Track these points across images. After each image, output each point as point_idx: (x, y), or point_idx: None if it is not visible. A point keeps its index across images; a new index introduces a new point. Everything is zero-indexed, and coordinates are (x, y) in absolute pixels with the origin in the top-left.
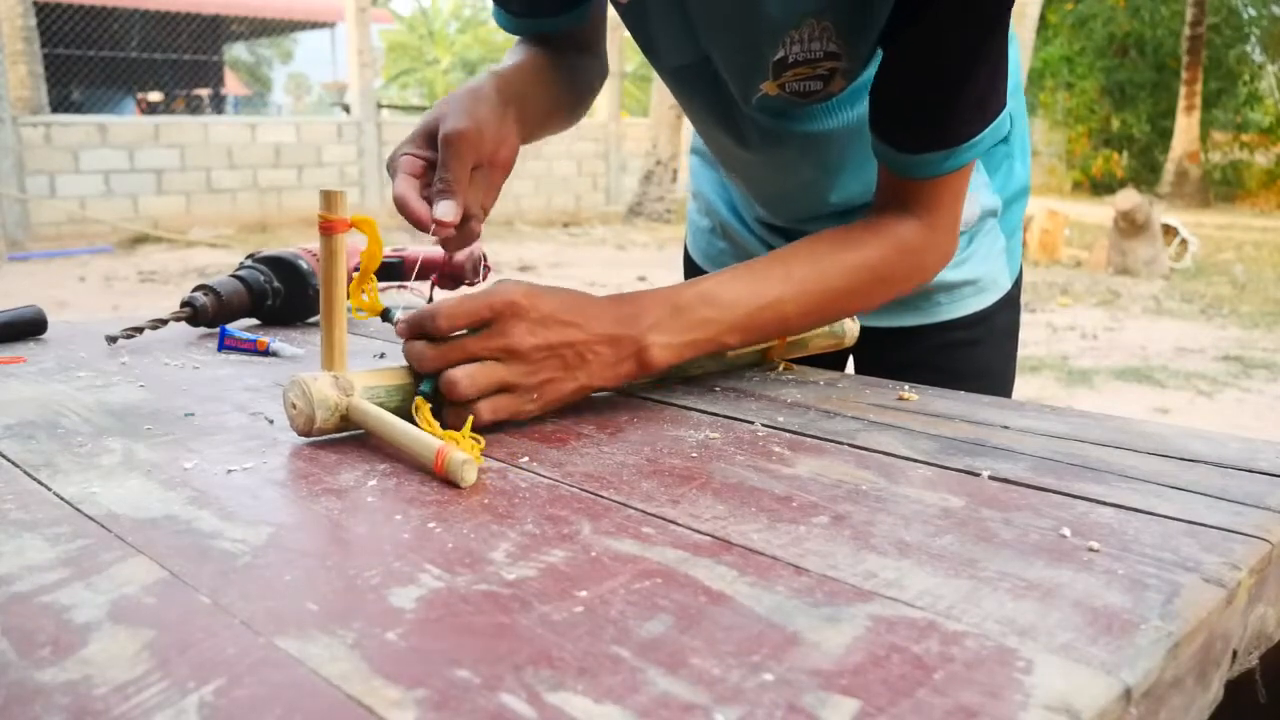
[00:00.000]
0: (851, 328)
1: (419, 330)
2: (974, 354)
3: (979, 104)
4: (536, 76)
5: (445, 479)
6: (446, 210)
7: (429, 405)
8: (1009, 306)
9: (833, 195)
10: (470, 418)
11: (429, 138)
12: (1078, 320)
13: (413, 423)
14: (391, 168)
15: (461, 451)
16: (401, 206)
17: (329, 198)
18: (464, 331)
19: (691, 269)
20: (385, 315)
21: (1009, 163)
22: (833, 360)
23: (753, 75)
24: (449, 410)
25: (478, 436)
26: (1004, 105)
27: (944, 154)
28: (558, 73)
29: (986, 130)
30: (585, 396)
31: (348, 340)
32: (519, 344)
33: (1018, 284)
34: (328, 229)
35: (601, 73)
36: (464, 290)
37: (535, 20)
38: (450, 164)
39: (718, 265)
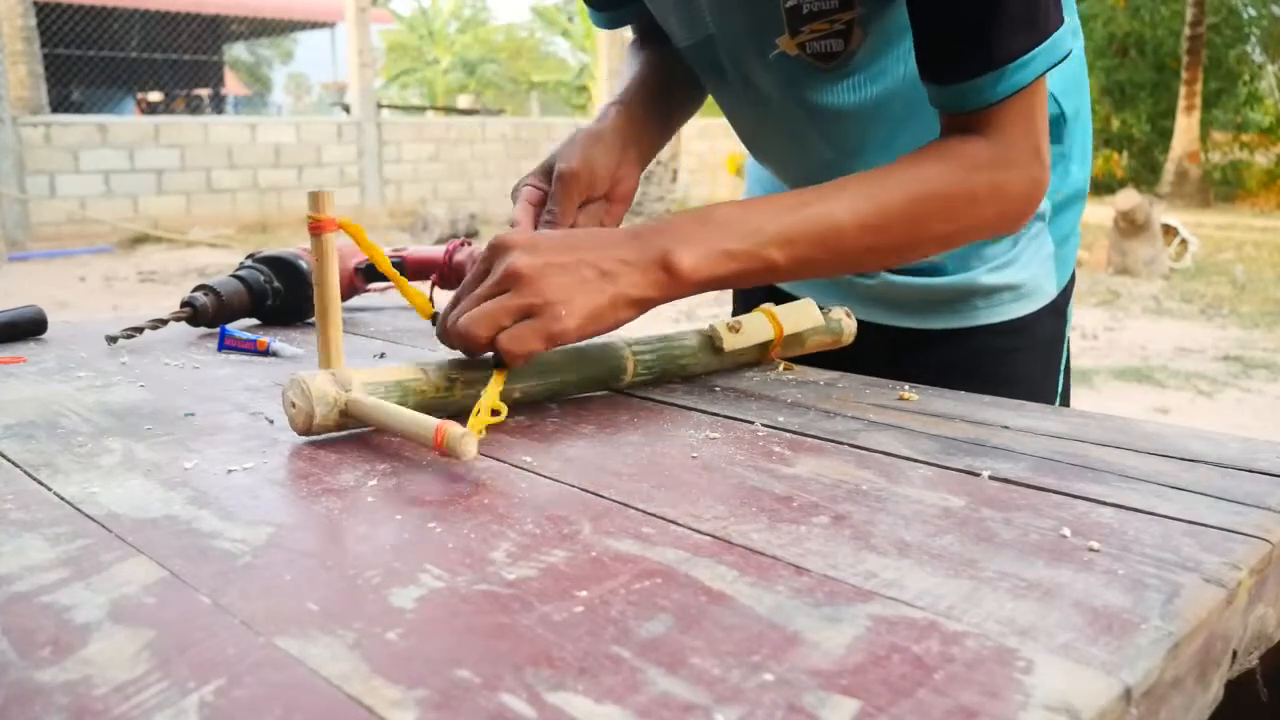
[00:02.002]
0: (849, 324)
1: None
2: (1014, 363)
3: (1023, 16)
4: (653, 92)
5: (446, 454)
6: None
7: (502, 376)
8: (1054, 315)
9: None
10: (498, 386)
11: (548, 173)
12: (1078, 320)
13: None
14: (514, 195)
15: (459, 426)
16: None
17: (317, 199)
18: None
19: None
20: (435, 319)
21: (1064, 164)
22: (863, 364)
23: (767, 28)
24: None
25: (499, 406)
26: (1061, 19)
27: (992, 76)
28: (672, 75)
29: (1039, 47)
30: (634, 315)
31: (345, 340)
32: (514, 264)
33: (1066, 293)
34: (317, 229)
35: None
36: None
37: (619, 12)
38: (559, 198)
39: None
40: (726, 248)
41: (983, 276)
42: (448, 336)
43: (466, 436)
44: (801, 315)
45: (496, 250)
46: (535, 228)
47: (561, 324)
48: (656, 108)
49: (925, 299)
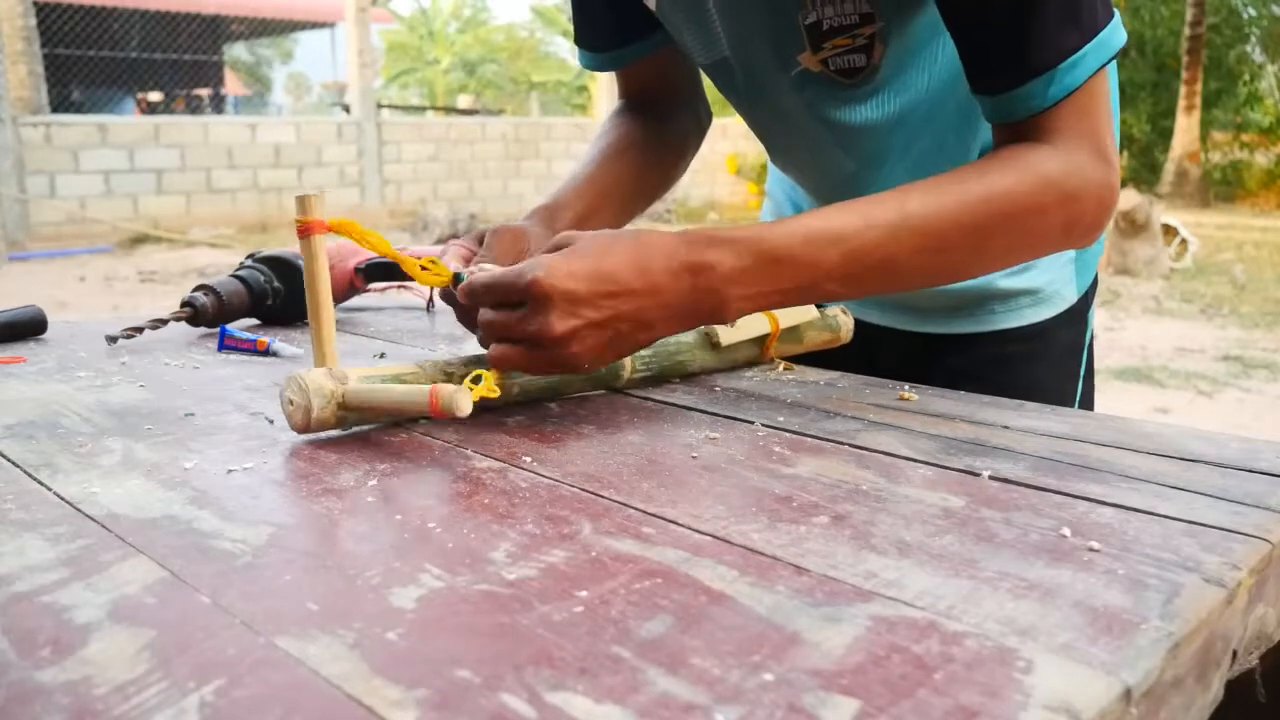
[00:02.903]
0: (845, 321)
1: (473, 297)
2: (1030, 369)
3: (1066, 14)
4: (606, 177)
5: (442, 415)
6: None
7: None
8: (1074, 322)
9: (878, 188)
10: (491, 373)
11: (479, 239)
12: None
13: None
14: (443, 252)
15: (451, 385)
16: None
17: (304, 202)
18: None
19: None
20: (456, 280)
21: None
22: (878, 367)
23: (787, 45)
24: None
25: (494, 391)
26: (1111, 13)
27: (1044, 79)
28: (637, 149)
29: (1089, 44)
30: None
31: (345, 340)
32: (551, 330)
33: (1086, 298)
34: (305, 231)
35: (698, 120)
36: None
37: (614, 54)
38: (492, 247)
39: None
40: (782, 286)
41: (1001, 281)
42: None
43: (460, 392)
44: (797, 310)
45: (534, 295)
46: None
47: (578, 369)
48: (597, 207)
49: (943, 303)
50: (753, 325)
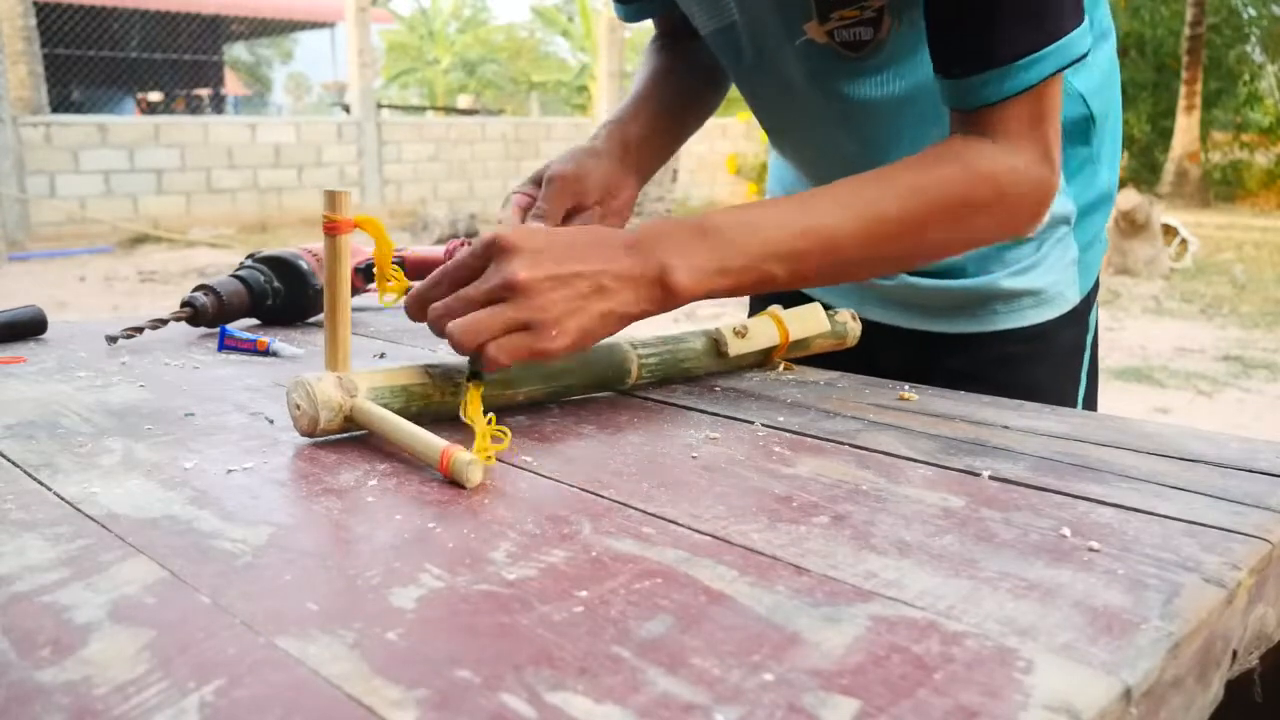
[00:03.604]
0: (854, 327)
1: (422, 301)
2: (1030, 370)
3: (1031, 14)
4: (654, 108)
5: (450, 480)
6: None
7: (479, 389)
8: (1076, 323)
9: None
10: (477, 403)
11: (539, 181)
12: None
13: (416, 422)
14: (505, 202)
15: (466, 451)
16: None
17: (334, 198)
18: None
19: None
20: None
21: (1092, 167)
22: (878, 367)
23: (795, 13)
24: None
25: (503, 431)
26: (1079, 19)
27: (997, 73)
28: (683, 77)
29: (1049, 47)
30: (623, 327)
31: (351, 340)
32: (514, 275)
33: (1088, 300)
34: (332, 229)
35: None
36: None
37: (645, 4)
38: (548, 198)
39: None
40: (725, 264)
41: (1004, 280)
42: (433, 327)
43: (473, 464)
44: (808, 320)
45: (496, 251)
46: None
47: (553, 344)
48: (659, 123)
49: (945, 302)
50: (762, 337)
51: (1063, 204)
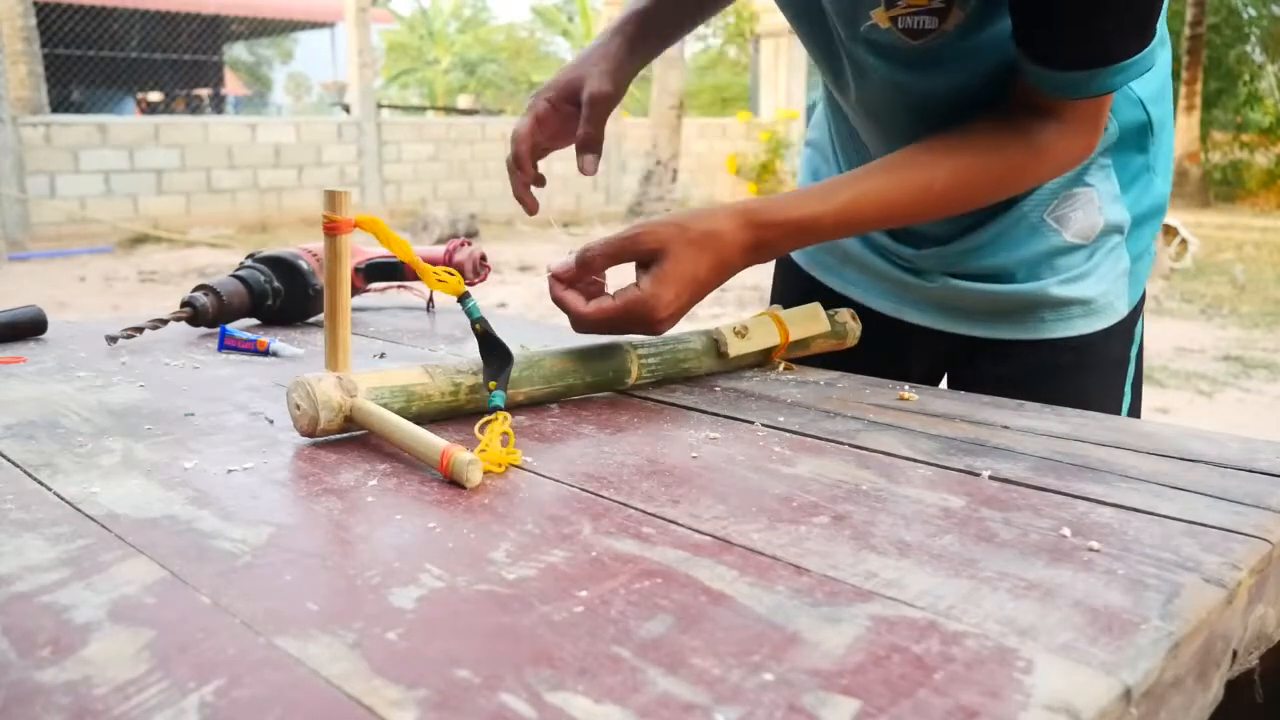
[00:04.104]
0: (854, 327)
1: (572, 276)
2: (1079, 382)
3: (1139, 21)
4: (651, 17)
5: (450, 480)
6: (588, 163)
7: (506, 420)
8: (1123, 335)
9: None
10: (506, 431)
11: (562, 89)
12: None
13: (416, 422)
14: (528, 105)
15: (466, 452)
16: (517, 142)
17: (334, 198)
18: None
19: (793, 271)
20: (464, 299)
21: (1148, 176)
22: (920, 371)
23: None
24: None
25: (515, 458)
26: (1155, 34)
27: (1100, 71)
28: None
29: (1143, 52)
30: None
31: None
32: (660, 327)
33: (1137, 310)
34: (332, 229)
35: None
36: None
37: None
38: (593, 120)
39: (821, 267)
40: (805, 243)
41: (1054, 288)
42: (577, 320)
43: (473, 464)
44: (808, 320)
45: (647, 304)
46: (532, 147)
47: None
48: (654, 29)
49: (990, 307)
50: (762, 337)
51: (1118, 213)
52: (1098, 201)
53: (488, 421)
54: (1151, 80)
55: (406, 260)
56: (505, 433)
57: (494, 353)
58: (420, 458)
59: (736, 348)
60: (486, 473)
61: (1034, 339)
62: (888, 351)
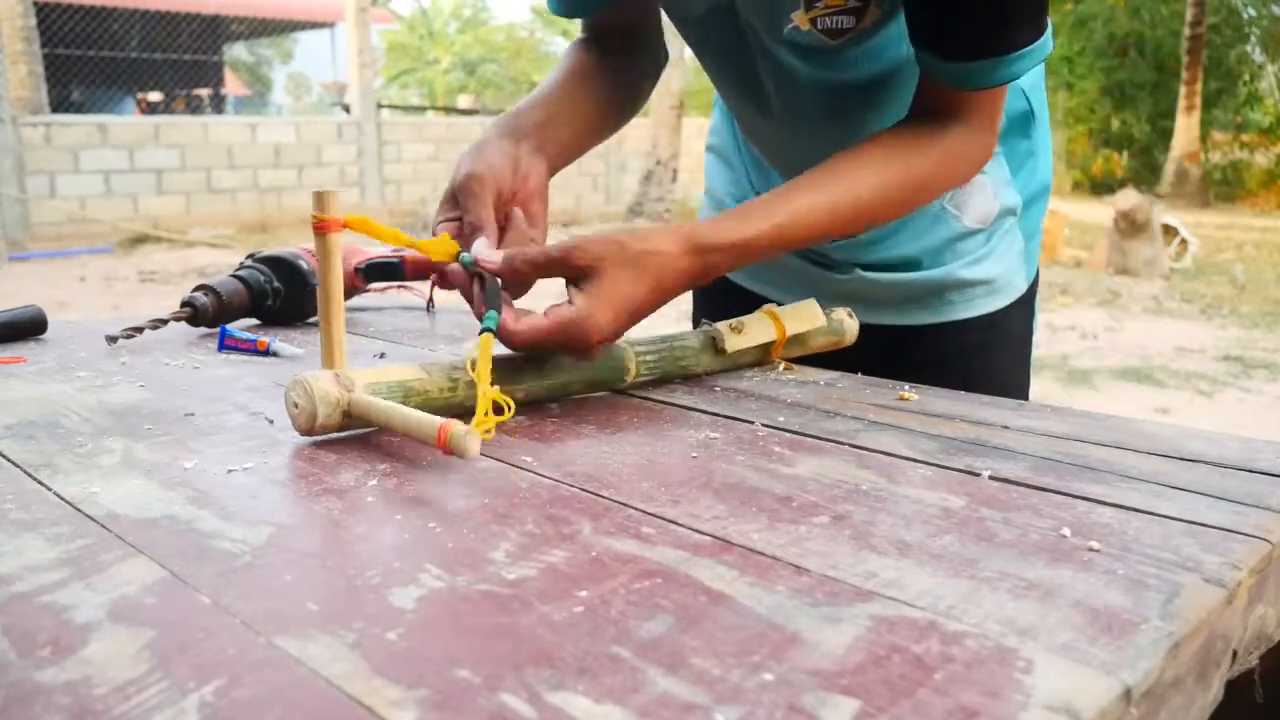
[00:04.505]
0: (851, 325)
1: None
2: (987, 359)
3: (1034, 11)
4: (565, 95)
5: (449, 453)
6: (480, 247)
7: (490, 340)
8: (1024, 310)
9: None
10: (495, 397)
11: (453, 200)
12: (1078, 320)
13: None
14: (434, 232)
15: (463, 424)
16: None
17: (321, 198)
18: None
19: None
20: (459, 258)
21: (1033, 160)
22: (840, 360)
23: (783, 3)
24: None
25: (507, 402)
26: (1049, 21)
27: (995, 61)
28: (595, 80)
29: (1039, 40)
30: None
31: (346, 339)
32: (597, 341)
33: (1033, 287)
34: (321, 229)
35: (655, 63)
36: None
37: (581, 2)
38: (470, 206)
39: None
40: (750, 266)
41: (959, 271)
42: (503, 334)
43: (470, 434)
44: (804, 316)
45: (574, 331)
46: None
47: (589, 358)
48: (562, 109)
49: (899, 295)
50: (759, 333)
51: (1010, 196)
52: (991, 187)
53: (476, 346)
54: (1030, 70)
55: (398, 244)
56: (498, 400)
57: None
58: (417, 436)
59: (734, 343)
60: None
61: (943, 322)
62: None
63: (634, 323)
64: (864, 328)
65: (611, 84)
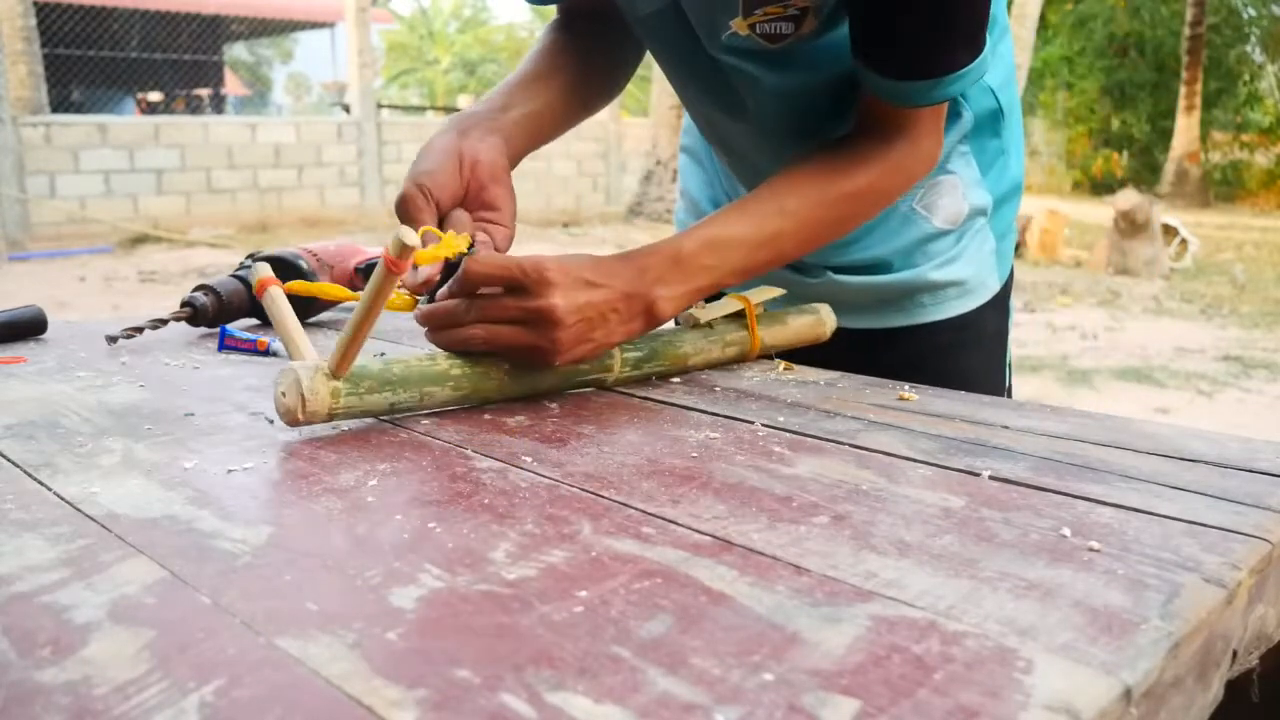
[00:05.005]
0: (829, 318)
1: (441, 311)
2: (961, 358)
3: (971, 33)
4: (531, 77)
5: (399, 267)
6: (421, 274)
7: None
8: (998, 309)
9: (781, 154)
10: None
11: (422, 192)
12: (1078, 320)
13: (411, 410)
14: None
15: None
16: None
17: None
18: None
19: None
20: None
21: (1003, 159)
22: (818, 363)
23: (722, 10)
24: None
25: (454, 246)
26: (985, 44)
27: (932, 82)
28: (565, 60)
29: (975, 63)
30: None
31: (336, 336)
32: (556, 310)
33: (1007, 287)
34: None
35: (637, 47)
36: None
37: None
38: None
39: None
40: (695, 286)
41: (930, 273)
42: (460, 320)
43: (402, 231)
44: (764, 292)
45: (539, 279)
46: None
47: (548, 364)
48: (522, 91)
49: (871, 298)
50: (728, 305)
51: (980, 196)
52: (961, 187)
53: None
54: (999, 68)
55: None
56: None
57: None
58: (377, 294)
59: (706, 315)
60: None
61: (916, 324)
62: (813, 352)
63: (601, 327)
64: (839, 332)
65: (584, 65)
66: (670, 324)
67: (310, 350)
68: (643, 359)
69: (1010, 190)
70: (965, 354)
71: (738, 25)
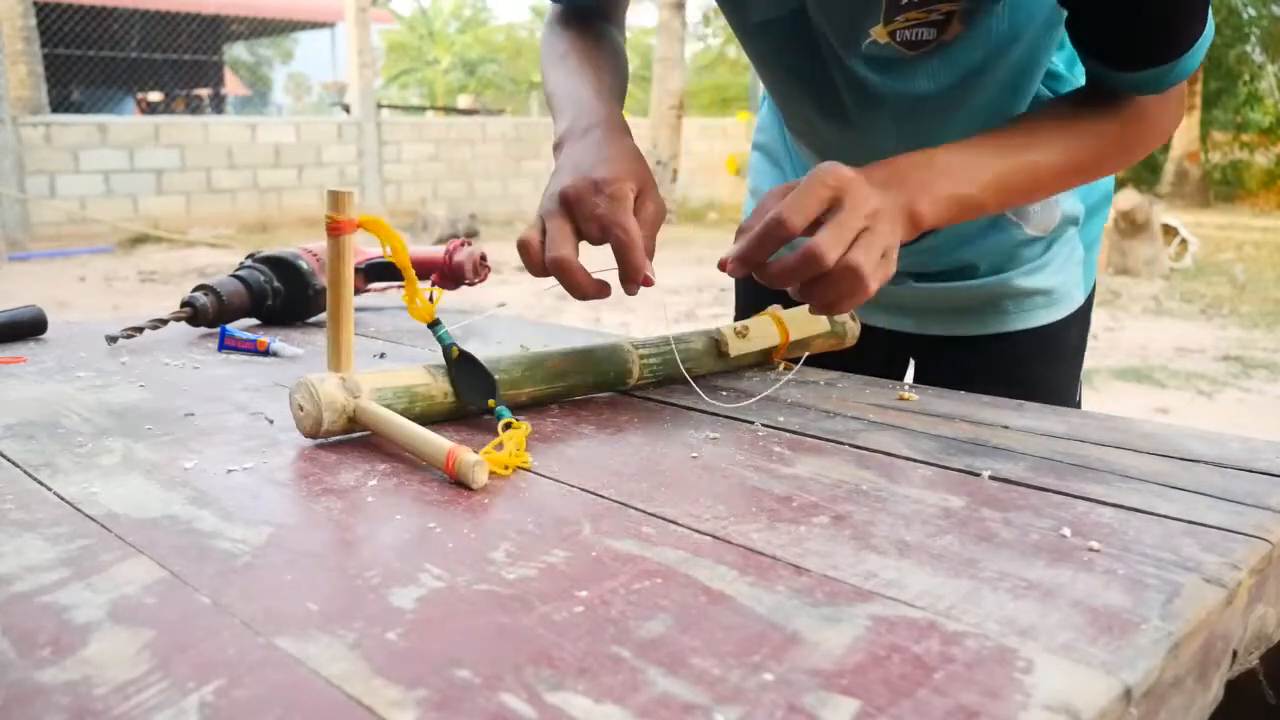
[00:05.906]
0: (853, 327)
1: (769, 244)
2: (1041, 370)
3: (1198, 8)
4: (606, 83)
5: (456, 481)
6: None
7: (519, 430)
8: (1081, 322)
9: None
10: (519, 436)
11: (563, 205)
12: None
13: (419, 422)
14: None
15: (472, 453)
16: (567, 272)
17: (337, 198)
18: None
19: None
20: (434, 325)
21: None
22: (879, 370)
23: (863, 18)
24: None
25: (525, 461)
26: (1209, 9)
27: (1169, 66)
28: (603, 48)
29: (1206, 29)
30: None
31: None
32: (878, 205)
33: (1090, 299)
34: (335, 230)
35: (623, 35)
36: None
37: None
38: (621, 218)
39: None
40: (954, 193)
41: (1017, 280)
42: (823, 264)
43: (479, 465)
44: (808, 319)
45: (846, 188)
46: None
47: (864, 291)
48: (610, 80)
49: (954, 304)
50: (763, 337)
51: (1073, 205)
52: (1054, 198)
53: (508, 424)
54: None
55: (399, 263)
56: (517, 437)
57: (473, 373)
58: (426, 459)
59: (737, 348)
60: (492, 475)
61: (998, 333)
62: (852, 359)
63: (883, 248)
64: (914, 339)
65: (611, 49)
66: (695, 344)
67: (349, 355)
68: (660, 369)
69: (1101, 200)
70: (1046, 366)
71: (877, 33)
